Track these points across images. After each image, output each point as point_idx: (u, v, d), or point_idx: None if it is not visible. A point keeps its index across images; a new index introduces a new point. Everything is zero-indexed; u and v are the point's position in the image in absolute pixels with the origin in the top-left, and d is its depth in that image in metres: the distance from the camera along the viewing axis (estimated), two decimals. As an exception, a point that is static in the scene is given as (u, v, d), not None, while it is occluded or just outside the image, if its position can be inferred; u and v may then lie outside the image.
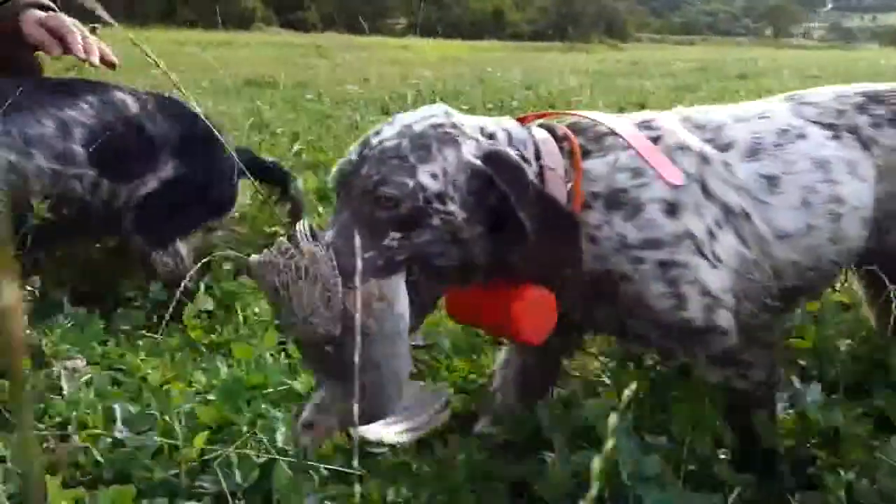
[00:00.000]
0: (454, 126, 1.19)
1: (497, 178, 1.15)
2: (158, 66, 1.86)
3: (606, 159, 1.28)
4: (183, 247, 1.94)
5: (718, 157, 1.32)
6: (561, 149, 1.27)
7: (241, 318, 1.83)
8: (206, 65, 10.62)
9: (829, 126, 1.40)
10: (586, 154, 1.29)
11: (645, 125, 1.34)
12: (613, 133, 1.30)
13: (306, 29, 28.62)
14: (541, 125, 1.33)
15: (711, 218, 1.28)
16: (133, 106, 1.93)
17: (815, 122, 1.41)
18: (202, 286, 1.90)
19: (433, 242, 1.15)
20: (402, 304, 1.13)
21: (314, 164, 3.43)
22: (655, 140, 1.31)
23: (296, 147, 3.78)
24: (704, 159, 1.31)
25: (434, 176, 1.15)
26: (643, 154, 1.27)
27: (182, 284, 1.61)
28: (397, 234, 1.13)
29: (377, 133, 1.19)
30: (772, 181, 1.33)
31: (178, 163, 1.96)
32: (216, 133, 1.95)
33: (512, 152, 1.21)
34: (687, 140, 1.32)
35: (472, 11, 38.73)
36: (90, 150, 1.83)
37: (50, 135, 1.79)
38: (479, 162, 1.17)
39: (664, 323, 1.27)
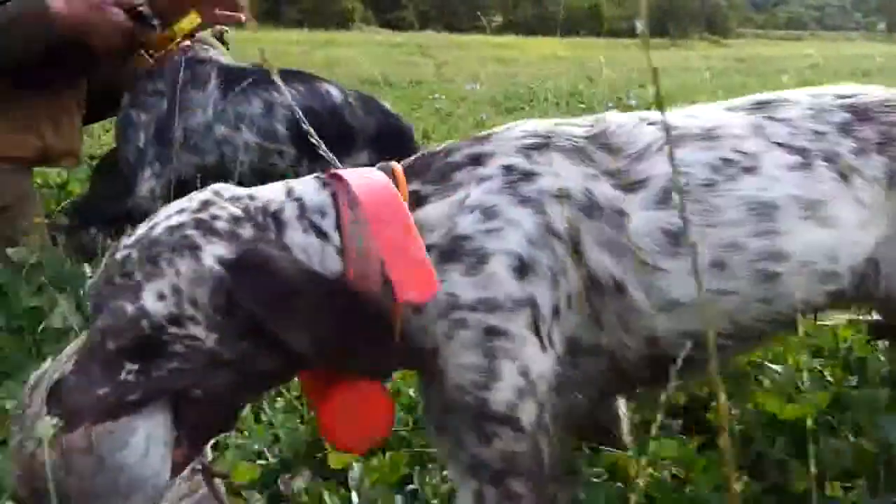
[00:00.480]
0: (200, 224, 0.96)
1: (237, 293, 0.93)
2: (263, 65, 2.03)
3: (450, 199, 1.03)
4: None
5: (612, 206, 1.05)
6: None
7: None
8: (314, 64, 10.94)
9: (800, 151, 1.12)
10: (423, 201, 1.03)
11: (520, 172, 1.04)
12: (475, 162, 1.05)
13: (404, 28, 29.02)
14: (381, 168, 1.08)
15: (566, 291, 1.03)
16: (337, 97, 2.13)
17: (780, 145, 1.12)
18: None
19: (183, 372, 0.94)
20: (136, 451, 0.92)
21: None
22: (529, 176, 1.04)
23: (428, 145, 3.93)
24: (587, 212, 1.04)
25: (162, 296, 0.93)
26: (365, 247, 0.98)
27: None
28: (133, 367, 0.93)
29: (130, 234, 0.99)
30: (677, 238, 1.04)
31: (371, 152, 2.11)
32: (406, 130, 2.12)
33: (298, 233, 0.99)
34: (570, 187, 1.04)
35: (568, 8, 38.42)
36: (293, 130, 2.05)
37: (257, 114, 2.03)
38: (223, 270, 0.94)
39: (454, 401, 1.02)
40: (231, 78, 2.11)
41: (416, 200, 1.03)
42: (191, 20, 2.05)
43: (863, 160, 1.13)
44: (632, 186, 1.05)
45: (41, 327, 1.61)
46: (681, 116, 1.16)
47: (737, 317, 1.09)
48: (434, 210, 1.02)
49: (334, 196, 1.02)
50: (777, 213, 1.08)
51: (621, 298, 1.04)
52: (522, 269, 1.00)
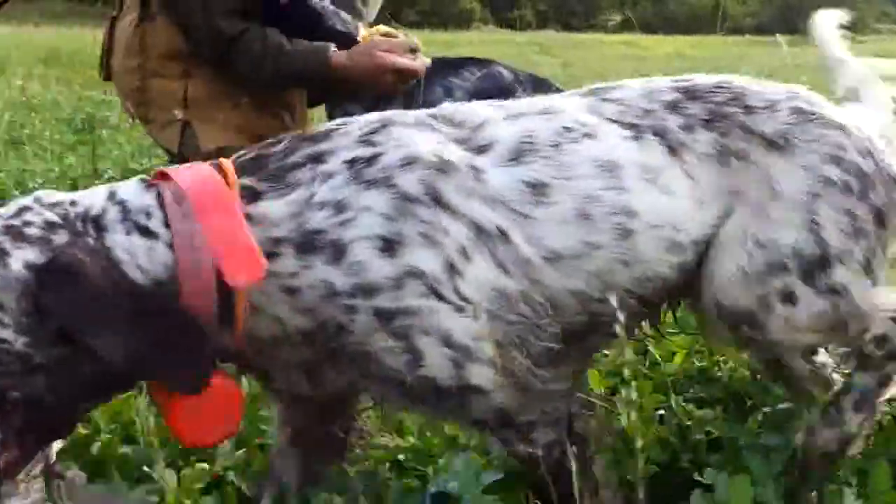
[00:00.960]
0: (10, 230, 0.99)
1: (42, 297, 0.95)
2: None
3: (290, 198, 1.05)
4: None
5: (465, 163, 1.08)
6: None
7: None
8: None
9: (630, 126, 1.15)
10: (258, 196, 1.06)
11: (363, 160, 1.07)
12: (316, 161, 1.08)
13: (522, 27, 29.12)
14: (211, 164, 1.11)
15: (454, 245, 1.04)
16: (508, 77, 2.37)
17: (613, 121, 1.16)
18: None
19: None
20: None
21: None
22: (370, 160, 1.07)
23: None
24: (441, 169, 1.06)
25: None
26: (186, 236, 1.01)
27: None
28: None
29: None
30: (538, 189, 1.07)
31: None
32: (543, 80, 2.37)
33: (121, 235, 1.01)
34: (416, 151, 1.07)
35: (689, 5, 37.43)
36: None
37: (438, 98, 2.28)
38: (30, 274, 0.96)
39: (403, 382, 1.04)
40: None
41: (251, 195, 1.06)
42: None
43: (691, 135, 1.15)
44: (479, 149, 1.10)
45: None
46: (515, 102, 1.23)
47: (607, 277, 1.10)
48: (275, 206, 1.05)
49: (159, 195, 1.04)
50: (622, 171, 1.11)
51: (511, 247, 1.06)
52: (389, 247, 1.03)
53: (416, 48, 2.20)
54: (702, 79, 1.23)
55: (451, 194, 1.05)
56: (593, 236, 1.09)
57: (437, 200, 1.04)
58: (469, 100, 2.27)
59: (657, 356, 1.63)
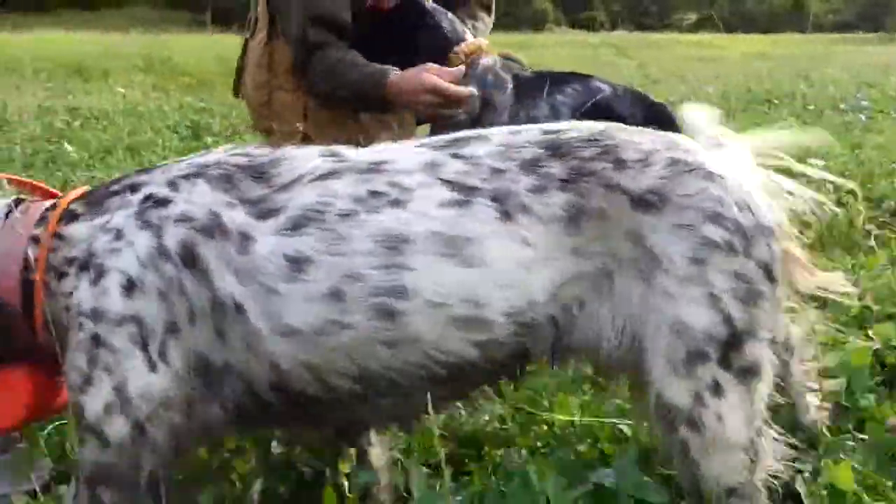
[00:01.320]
0: None
1: None
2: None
3: (94, 222, 1.11)
4: None
5: (238, 230, 1.07)
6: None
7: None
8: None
9: (466, 189, 1.06)
10: (74, 218, 1.13)
11: (156, 200, 1.10)
12: (131, 190, 1.13)
13: (594, 28, 28.94)
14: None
15: (185, 309, 1.06)
16: (607, 91, 2.48)
17: (446, 183, 1.07)
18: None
19: None
20: None
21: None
22: (161, 203, 1.10)
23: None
24: (209, 233, 1.07)
25: None
26: None
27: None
28: None
29: None
30: (298, 264, 1.04)
31: None
32: (670, 118, 2.45)
33: None
34: (194, 211, 1.08)
35: (768, 3, 36.50)
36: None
37: (544, 116, 2.41)
38: None
39: (74, 401, 1.10)
40: (523, 84, 2.48)
41: (70, 217, 1.14)
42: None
43: (540, 197, 1.05)
44: (267, 214, 1.07)
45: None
46: (362, 150, 1.18)
47: (359, 357, 1.05)
48: (81, 228, 1.12)
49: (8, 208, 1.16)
50: (409, 247, 1.04)
51: (242, 320, 1.05)
52: (130, 287, 1.07)
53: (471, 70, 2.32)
54: (576, 131, 1.13)
55: (208, 260, 1.07)
56: (343, 316, 1.04)
57: (189, 262, 1.07)
58: (573, 117, 2.39)
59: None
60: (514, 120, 2.42)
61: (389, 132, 2.58)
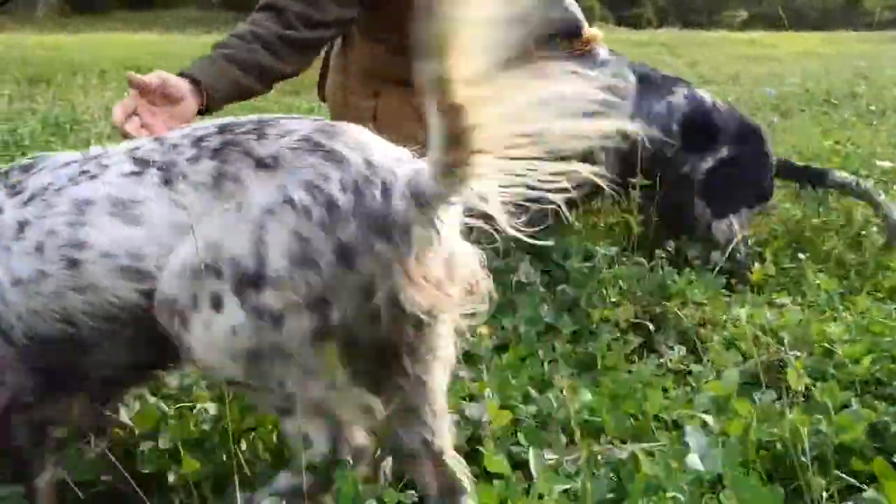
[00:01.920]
0: None
1: None
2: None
3: None
4: (735, 220, 2.47)
5: (0, 206, 1.29)
6: None
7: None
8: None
9: (143, 163, 1.26)
10: None
11: None
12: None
13: (641, 25, 28.67)
14: None
15: None
16: (708, 102, 2.55)
17: (135, 160, 1.27)
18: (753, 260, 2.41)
19: None
20: None
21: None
22: None
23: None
24: None
25: None
26: None
27: (730, 248, 2.17)
28: None
29: None
30: (22, 226, 1.27)
31: (730, 147, 2.51)
32: (758, 131, 2.52)
33: None
34: None
35: (821, -1, 35.80)
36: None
37: (662, 113, 2.48)
38: None
39: None
40: (644, 80, 2.55)
41: None
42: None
43: (194, 166, 1.22)
44: (15, 193, 1.30)
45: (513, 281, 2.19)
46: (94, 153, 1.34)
47: (62, 302, 1.24)
48: None
49: None
50: (90, 208, 1.24)
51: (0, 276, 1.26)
52: None
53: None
54: (241, 119, 1.31)
55: None
56: (45, 266, 1.24)
57: None
58: (683, 121, 2.47)
59: (843, 357, 1.78)
60: (635, 114, 2.50)
61: None
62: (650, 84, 2.53)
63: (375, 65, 2.62)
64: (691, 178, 2.52)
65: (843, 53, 13.96)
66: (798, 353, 1.81)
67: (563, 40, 2.50)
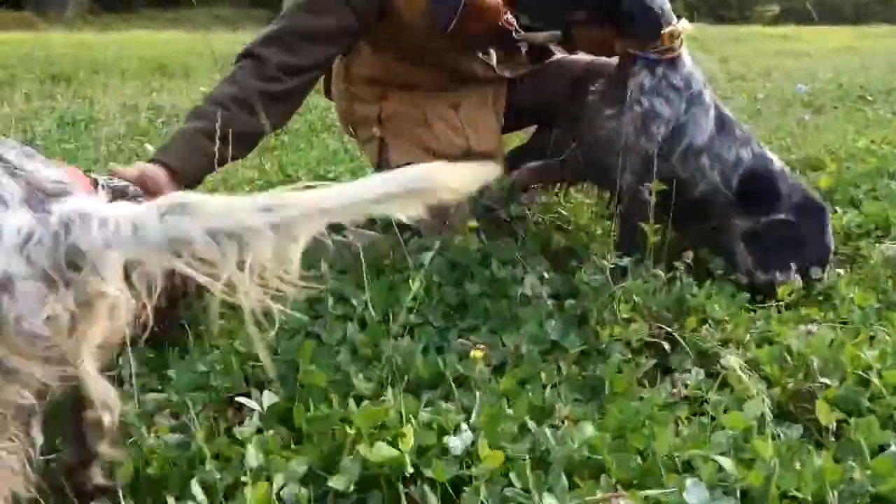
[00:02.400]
0: None
1: None
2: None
3: None
4: (780, 276, 2.23)
5: None
6: None
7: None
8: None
9: None
10: None
11: None
12: None
13: (671, 21, 28.21)
14: None
15: None
16: (777, 166, 2.31)
17: None
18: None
19: None
20: None
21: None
22: None
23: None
24: None
25: None
26: None
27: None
28: None
29: None
30: None
31: (790, 215, 2.30)
32: (821, 206, 2.32)
33: None
34: None
35: (856, -7, 35.01)
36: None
37: (731, 162, 2.26)
38: None
39: None
40: (722, 118, 2.28)
41: None
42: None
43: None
44: None
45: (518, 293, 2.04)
46: None
47: None
48: None
49: None
50: None
51: None
52: None
53: None
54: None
55: None
56: None
57: None
58: (743, 176, 2.23)
59: (880, 387, 1.59)
60: (711, 144, 2.27)
61: (462, 138, 2.54)
62: (725, 129, 2.29)
63: (379, 72, 2.59)
64: (738, 229, 2.29)
65: (879, 48, 13.56)
66: (828, 382, 1.62)
67: (642, 39, 2.24)
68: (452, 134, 2.53)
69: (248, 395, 1.61)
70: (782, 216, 2.28)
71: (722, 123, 2.26)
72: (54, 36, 15.03)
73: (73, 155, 4.41)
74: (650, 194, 2.10)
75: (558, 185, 2.69)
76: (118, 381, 1.57)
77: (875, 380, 1.61)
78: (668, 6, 2.21)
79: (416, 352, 1.77)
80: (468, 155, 2.48)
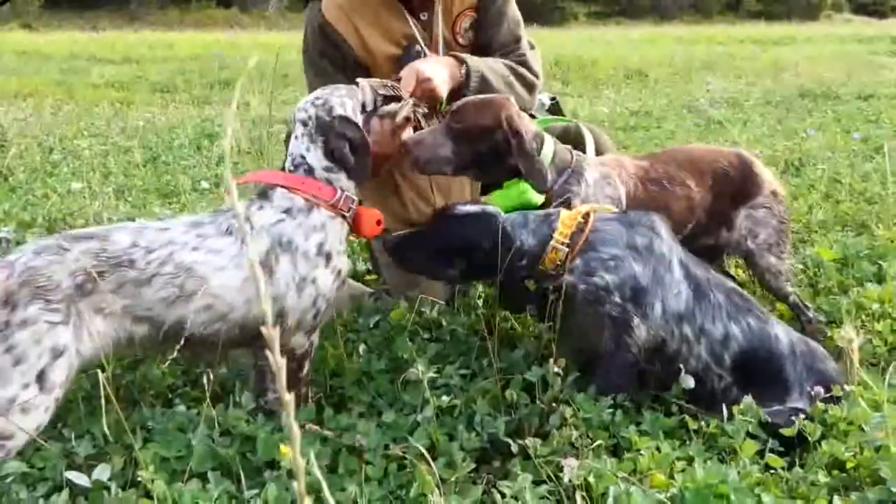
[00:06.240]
0: None
1: None
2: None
3: None
4: None
5: None
6: None
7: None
8: (757, 70, 10.09)
9: None
10: None
11: None
12: None
13: (884, 14, 25.43)
14: None
15: None
16: (784, 345, 1.88)
17: None
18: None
19: None
20: None
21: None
22: None
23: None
24: None
25: None
26: None
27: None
28: None
29: None
30: None
31: (806, 403, 1.87)
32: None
33: None
34: None
35: None
36: None
37: (717, 340, 1.93)
38: None
39: None
40: (699, 282, 1.97)
41: None
42: None
43: None
44: None
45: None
46: None
47: None
48: None
49: None
50: None
51: None
52: None
53: None
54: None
55: None
56: None
57: None
58: (741, 354, 1.90)
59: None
60: (688, 312, 1.93)
61: (430, 206, 2.45)
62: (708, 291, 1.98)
63: None
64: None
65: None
66: None
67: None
68: (420, 202, 2.51)
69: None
70: (799, 403, 1.87)
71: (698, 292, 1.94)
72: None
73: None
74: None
75: None
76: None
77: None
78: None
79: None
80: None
